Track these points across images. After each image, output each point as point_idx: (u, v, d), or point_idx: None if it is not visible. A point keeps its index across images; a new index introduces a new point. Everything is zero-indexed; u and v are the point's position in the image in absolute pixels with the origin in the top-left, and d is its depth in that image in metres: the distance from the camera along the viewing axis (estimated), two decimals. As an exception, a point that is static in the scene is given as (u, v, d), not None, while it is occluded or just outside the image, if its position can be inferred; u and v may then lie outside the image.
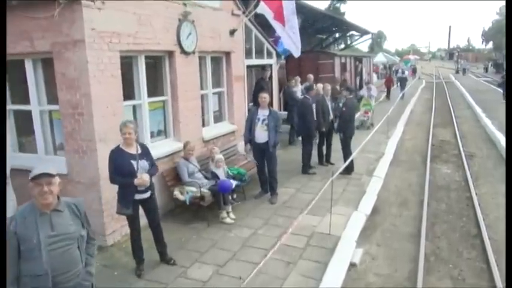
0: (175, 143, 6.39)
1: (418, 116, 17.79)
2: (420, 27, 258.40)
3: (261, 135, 6.62)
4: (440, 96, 25.43)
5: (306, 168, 8.37)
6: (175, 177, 6.07)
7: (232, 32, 7.81)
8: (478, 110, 17.77)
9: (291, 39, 8.42)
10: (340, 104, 8.96)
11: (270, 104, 7.58)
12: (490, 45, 74.05)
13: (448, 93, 26.19)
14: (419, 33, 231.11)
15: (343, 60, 16.73)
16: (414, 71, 43.88)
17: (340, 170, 6.48)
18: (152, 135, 6.25)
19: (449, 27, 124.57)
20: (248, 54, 8.75)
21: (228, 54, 7.93)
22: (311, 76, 11.25)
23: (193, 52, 6.63)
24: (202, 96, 7.44)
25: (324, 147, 9.08)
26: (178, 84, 6.34)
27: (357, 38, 27.10)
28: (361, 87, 20.66)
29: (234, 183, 6.29)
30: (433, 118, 16.66)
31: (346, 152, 8.37)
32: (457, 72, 51.17)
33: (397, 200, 7.45)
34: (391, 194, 7.74)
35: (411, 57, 60.31)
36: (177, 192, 5.88)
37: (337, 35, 26.17)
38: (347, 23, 22.82)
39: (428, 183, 8.22)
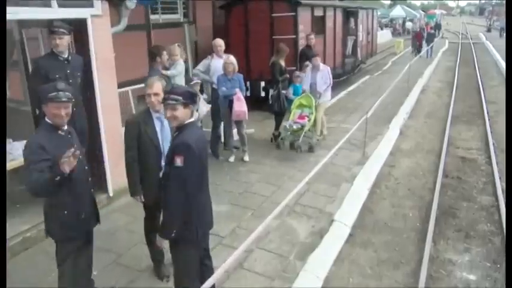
0: None
1: (431, 99, 12.13)
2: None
3: None
4: (466, 64, 19.15)
5: None
6: None
7: None
8: (523, 92, 11.90)
9: None
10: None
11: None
12: (529, -2, 64.46)
13: (477, 60, 19.92)
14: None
15: (318, 12, 10.68)
16: (438, 27, 36.57)
17: None
18: None
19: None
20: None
21: None
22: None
23: None
24: None
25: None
26: None
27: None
28: (354, 54, 14.69)
29: None
30: (453, 103, 11.07)
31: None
32: (489, 30, 43.38)
33: None
34: None
35: (437, 11, 53.16)
36: None
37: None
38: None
39: None
